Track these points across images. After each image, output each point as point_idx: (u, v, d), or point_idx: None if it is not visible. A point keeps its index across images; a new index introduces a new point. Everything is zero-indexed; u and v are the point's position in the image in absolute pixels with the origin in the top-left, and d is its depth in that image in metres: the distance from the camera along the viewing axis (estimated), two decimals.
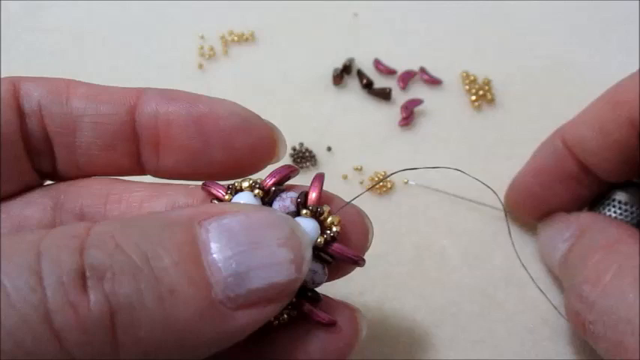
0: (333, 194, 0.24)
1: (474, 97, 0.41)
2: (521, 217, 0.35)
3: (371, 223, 0.25)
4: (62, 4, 0.46)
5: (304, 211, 0.23)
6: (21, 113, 0.24)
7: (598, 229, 0.29)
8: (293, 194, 0.23)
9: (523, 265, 0.33)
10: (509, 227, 0.33)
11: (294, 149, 0.38)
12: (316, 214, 0.23)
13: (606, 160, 0.30)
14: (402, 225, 0.36)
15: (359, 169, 0.38)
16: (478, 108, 0.41)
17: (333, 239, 0.23)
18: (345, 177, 0.38)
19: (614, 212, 0.31)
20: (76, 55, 0.44)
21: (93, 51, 0.44)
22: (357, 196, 0.24)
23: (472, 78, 0.42)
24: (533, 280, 0.33)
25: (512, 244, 0.33)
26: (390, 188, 0.37)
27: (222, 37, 0.44)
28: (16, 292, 0.16)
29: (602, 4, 0.44)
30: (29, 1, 0.46)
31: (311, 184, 0.24)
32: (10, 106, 0.24)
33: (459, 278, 0.34)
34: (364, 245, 0.24)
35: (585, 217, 0.31)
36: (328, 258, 0.23)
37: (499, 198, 0.31)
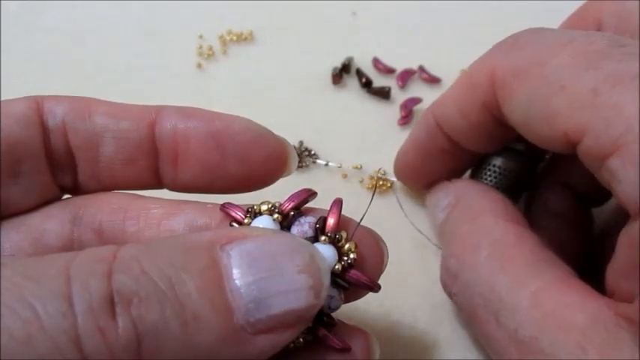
0: (348, 218, 0.25)
1: None
2: (410, 188, 0.36)
3: (386, 246, 0.25)
4: (62, 4, 0.46)
5: (323, 238, 0.23)
6: (45, 129, 0.25)
7: (468, 200, 0.30)
8: (311, 219, 0.24)
9: (419, 230, 0.34)
10: (400, 203, 0.35)
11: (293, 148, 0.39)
12: (334, 241, 0.23)
13: (469, 137, 0.30)
14: (402, 224, 0.36)
15: (358, 168, 0.38)
16: None
17: (350, 266, 0.23)
18: (344, 176, 0.38)
19: (491, 176, 0.32)
20: (76, 55, 0.44)
21: (93, 51, 0.44)
22: (364, 215, 0.25)
23: None
24: (430, 240, 0.34)
25: (407, 216, 0.34)
26: (390, 187, 0.38)
27: (221, 37, 0.44)
28: (48, 318, 0.17)
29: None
30: (29, 1, 0.46)
31: (329, 210, 0.24)
32: (34, 122, 0.25)
33: None
34: (379, 269, 0.25)
35: (460, 186, 0.32)
36: (345, 284, 0.23)
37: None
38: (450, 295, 0.28)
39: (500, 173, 0.32)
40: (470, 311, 0.26)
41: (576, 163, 0.25)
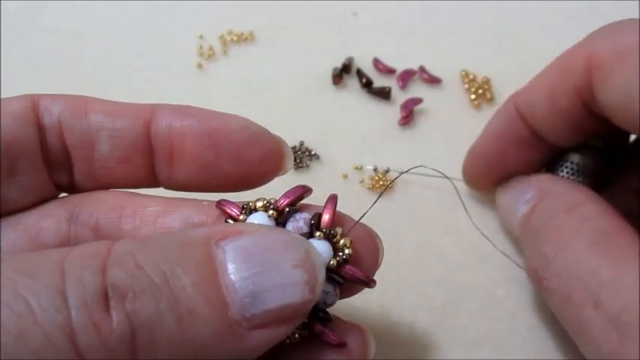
0: (344, 214, 0.25)
1: (473, 96, 0.41)
2: (477, 185, 0.36)
3: (381, 242, 0.25)
4: (62, 4, 0.46)
5: (317, 234, 0.23)
6: (40, 127, 0.25)
7: (559, 191, 0.30)
8: (306, 215, 0.24)
9: (484, 235, 0.34)
10: (462, 201, 0.34)
11: (294, 148, 0.39)
12: (329, 237, 0.23)
13: (554, 126, 0.30)
14: (402, 224, 0.36)
15: (359, 169, 0.38)
16: (478, 107, 0.41)
17: (345, 261, 0.23)
18: (345, 176, 0.38)
19: (568, 174, 0.32)
20: (76, 55, 0.44)
21: (93, 51, 0.44)
22: (365, 213, 0.25)
23: (471, 77, 0.42)
24: (494, 245, 0.34)
25: (470, 217, 0.34)
26: (390, 187, 0.37)
27: (222, 37, 0.44)
28: (41, 312, 0.17)
29: (601, 3, 0.44)
30: (29, 1, 0.46)
31: (324, 206, 0.24)
32: (29, 120, 0.25)
33: (459, 277, 0.34)
34: (375, 265, 0.25)
35: (545, 180, 0.32)
36: (340, 279, 0.23)
37: (455, 188, 0.33)
38: (540, 280, 0.28)
39: (577, 170, 0.31)
40: (564, 295, 0.26)
41: None
